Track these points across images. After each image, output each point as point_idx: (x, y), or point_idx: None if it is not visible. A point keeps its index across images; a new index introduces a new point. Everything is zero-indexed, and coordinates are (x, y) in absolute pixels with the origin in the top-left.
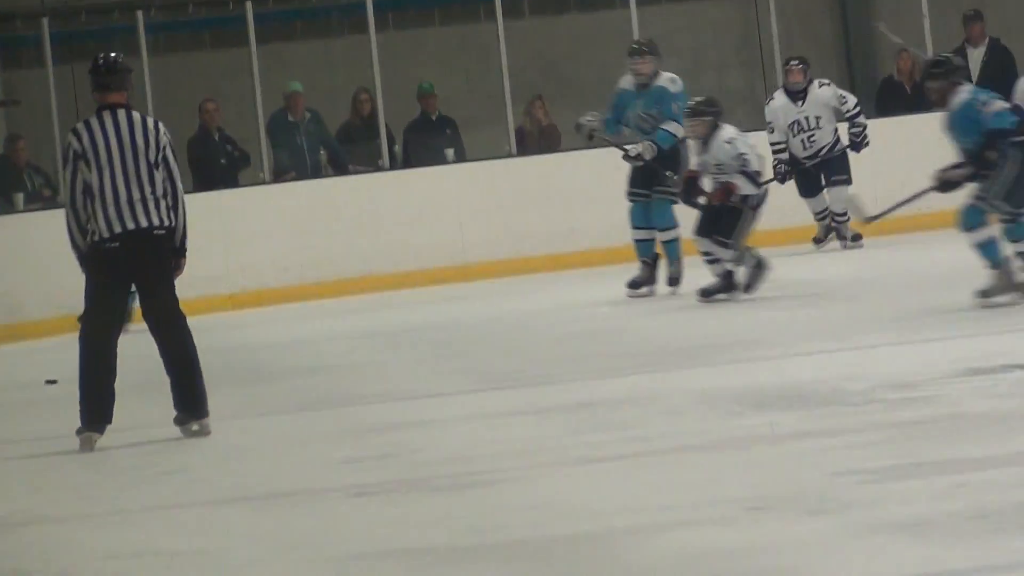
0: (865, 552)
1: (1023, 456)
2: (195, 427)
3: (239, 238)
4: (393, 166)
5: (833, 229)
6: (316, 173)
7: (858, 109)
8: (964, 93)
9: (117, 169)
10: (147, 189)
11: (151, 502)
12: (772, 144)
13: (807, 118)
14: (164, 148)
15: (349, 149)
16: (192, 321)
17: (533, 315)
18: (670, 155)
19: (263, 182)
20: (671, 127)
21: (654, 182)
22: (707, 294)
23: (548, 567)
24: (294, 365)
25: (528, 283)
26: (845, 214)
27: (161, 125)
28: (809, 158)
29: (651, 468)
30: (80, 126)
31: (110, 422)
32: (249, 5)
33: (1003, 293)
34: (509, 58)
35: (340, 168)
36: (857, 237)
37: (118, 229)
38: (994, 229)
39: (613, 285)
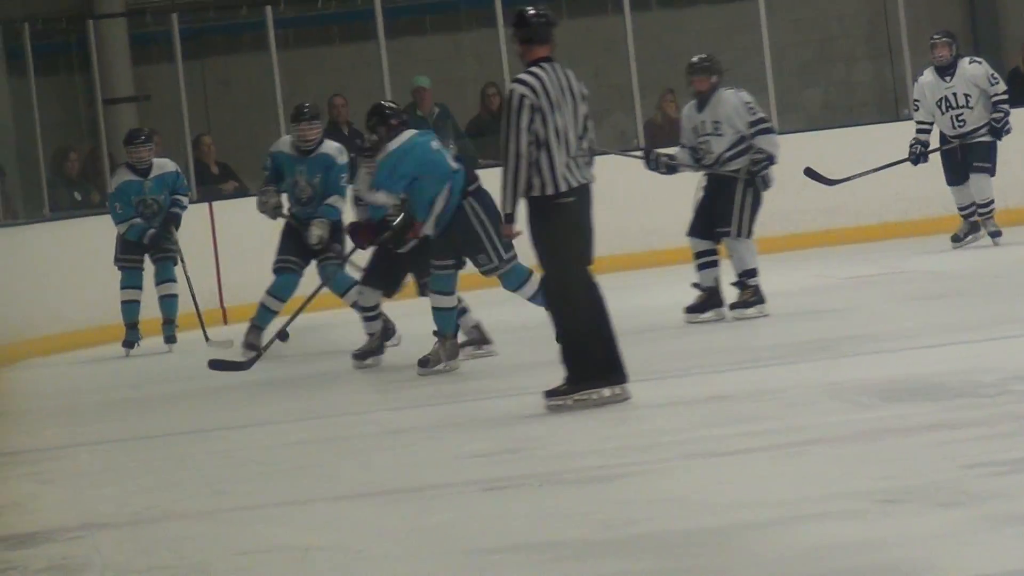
0: (997, 545)
1: None
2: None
3: None
4: None
5: (980, 224)
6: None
7: (1006, 95)
8: None
9: (569, 122)
10: (583, 143)
11: (283, 497)
12: (917, 123)
13: (955, 95)
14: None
15: (478, 143)
16: (325, 316)
17: (661, 309)
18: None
19: None
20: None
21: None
22: (692, 311)
23: (677, 561)
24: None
25: (656, 276)
26: (989, 205)
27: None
28: (958, 137)
29: (779, 461)
30: (529, 78)
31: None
32: (378, 0)
33: None
34: (637, 51)
35: (470, 162)
36: (997, 233)
37: (574, 183)
38: None
39: None
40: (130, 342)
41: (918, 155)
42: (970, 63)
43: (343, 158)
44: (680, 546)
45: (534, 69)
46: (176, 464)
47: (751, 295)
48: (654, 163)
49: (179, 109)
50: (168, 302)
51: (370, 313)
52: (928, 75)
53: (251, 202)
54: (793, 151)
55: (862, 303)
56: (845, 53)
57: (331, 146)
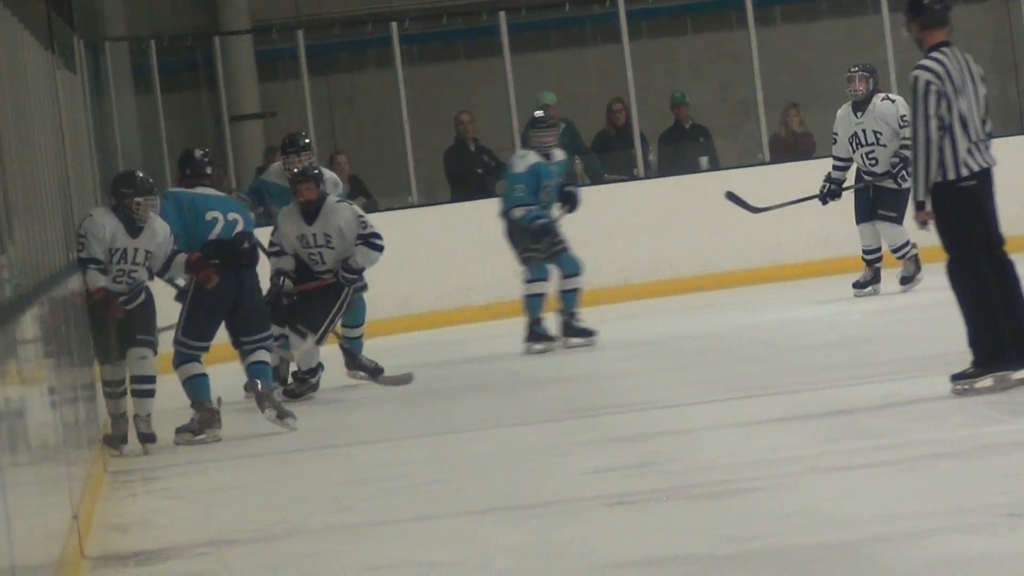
0: None
1: None
2: None
3: (494, 248)
4: (648, 175)
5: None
6: (571, 183)
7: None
8: None
9: (972, 106)
10: (986, 127)
11: (408, 513)
12: (834, 159)
13: (865, 131)
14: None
15: (604, 158)
16: (450, 331)
17: (786, 323)
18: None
19: None
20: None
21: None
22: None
23: (806, 575)
24: (547, 375)
25: (782, 291)
26: (902, 249)
27: None
28: (870, 175)
29: (907, 475)
30: (931, 64)
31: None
32: (503, 15)
33: None
34: (761, 65)
35: (595, 177)
36: (908, 279)
37: (975, 167)
38: None
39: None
40: None
41: (826, 193)
42: (883, 100)
43: (338, 189)
44: (805, 561)
45: (935, 54)
46: (302, 480)
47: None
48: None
49: (305, 126)
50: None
51: None
52: (844, 109)
53: (381, 217)
54: None
55: None
56: None
57: (328, 176)
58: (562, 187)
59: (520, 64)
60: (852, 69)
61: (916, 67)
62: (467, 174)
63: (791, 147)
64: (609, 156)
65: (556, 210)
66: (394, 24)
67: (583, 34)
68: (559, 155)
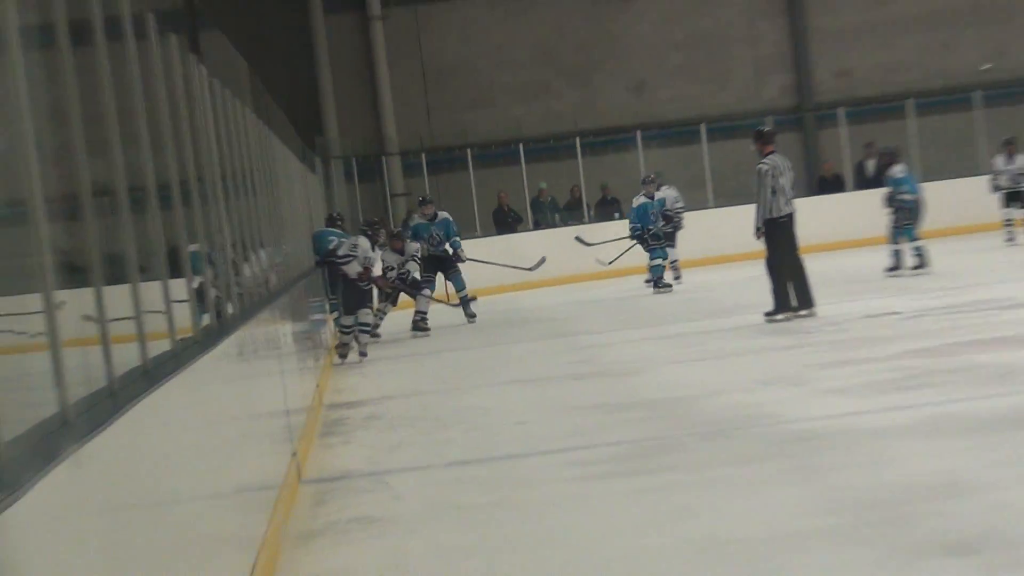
0: None
1: (891, 356)
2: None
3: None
4: (587, 222)
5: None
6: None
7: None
8: None
9: (786, 183)
10: (790, 192)
11: (472, 383)
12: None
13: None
14: None
15: (570, 215)
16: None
17: (679, 289)
18: None
19: None
20: None
21: None
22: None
23: (660, 412)
24: (543, 316)
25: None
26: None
27: None
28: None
29: (716, 364)
30: (768, 160)
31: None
32: (521, 145)
33: None
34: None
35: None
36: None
37: (787, 212)
38: None
39: None
40: None
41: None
42: (667, 188)
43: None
44: (660, 405)
45: (768, 157)
46: (425, 371)
47: None
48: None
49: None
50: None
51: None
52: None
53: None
54: None
55: None
56: None
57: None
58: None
59: (529, 170)
60: (651, 175)
61: (759, 164)
62: (502, 222)
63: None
64: (571, 213)
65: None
66: (468, 150)
67: (558, 154)
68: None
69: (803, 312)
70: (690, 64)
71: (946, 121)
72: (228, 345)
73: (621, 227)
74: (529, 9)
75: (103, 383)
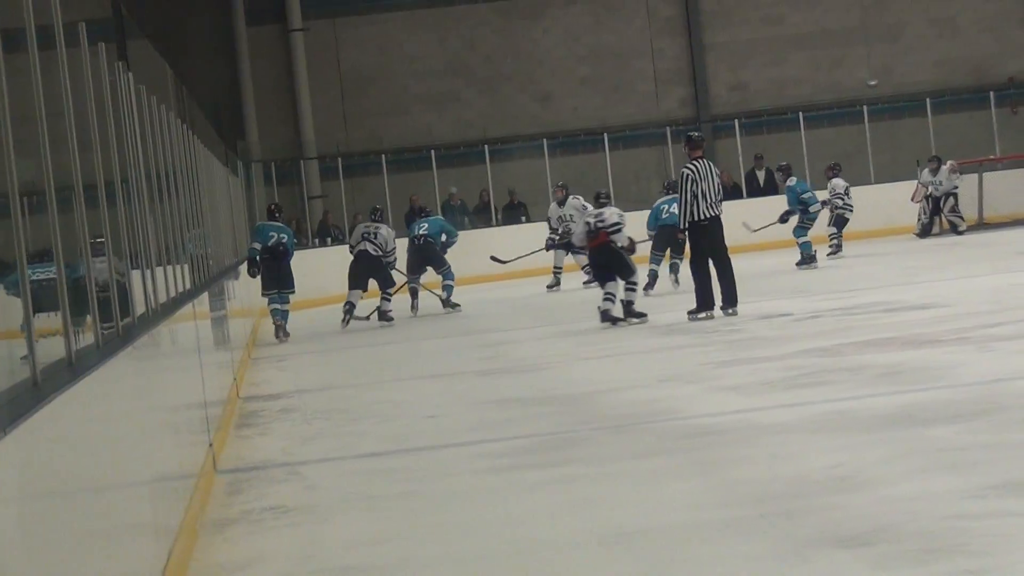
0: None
1: (785, 355)
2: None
3: None
4: (496, 224)
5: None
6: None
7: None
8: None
9: (711, 187)
10: (718, 197)
11: (391, 376)
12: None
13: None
14: None
15: (479, 218)
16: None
17: (575, 291)
18: None
19: None
20: None
21: None
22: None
23: (564, 408)
24: (455, 317)
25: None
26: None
27: None
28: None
29: (621, 361)
30: (691, 165)
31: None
32: (433, 152)
33: None
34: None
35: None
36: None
37: (710, 215)
38: None
39: None
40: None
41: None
42: (574, 198)
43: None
44: (562, 401)
45: (693, 162)
46: (341, 362)
47: None
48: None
49: (341, 204)
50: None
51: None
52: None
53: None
54: None
55: None
56: None
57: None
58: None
59: (440, 176)
60: (559, 184)
61: (684, 167)
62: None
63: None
64: (480, 217)
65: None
66: (383, 156)
67: (468, 161)
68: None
69: (729, 311)
70: (594, 77)
71: (835, 134)
72: (149, 339)
73: (530, 233)
74: (442, 23)
75: (27, 375)
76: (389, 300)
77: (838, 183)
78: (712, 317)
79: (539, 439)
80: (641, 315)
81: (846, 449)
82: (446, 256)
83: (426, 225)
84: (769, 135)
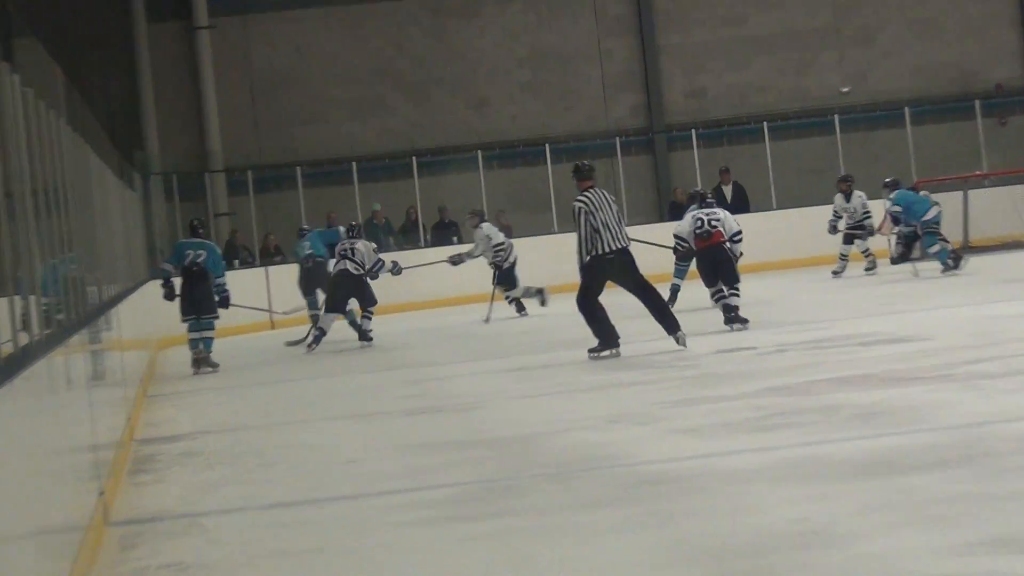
0: (670, 445)
1: (747, 394)
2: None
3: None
4: (426, 245)
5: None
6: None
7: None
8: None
9: (609, 217)
10: (621, 227)
11: (298, 417)
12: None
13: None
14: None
15: (407, 238)
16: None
17: (512, 322)
18: None
19: None
20: None
21: None
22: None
23: (499, 452)
24: (380, 345)
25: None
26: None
27: None
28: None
29: (557, 400)
30: (583, 197)
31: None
32: (355, 164)
33: None
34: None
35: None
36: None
37: (615, 247)
38: None
39: None
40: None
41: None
42: (486, 223)
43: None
44: (499, 444)
45: (586, 193)
46: (249, 400)
47: None
48: None
49: (251, 221)
50: None
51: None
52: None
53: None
54: None
55: None
56: None
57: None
58: None
59: (362, 190)
60: (473, 209)
61: (575, 201)
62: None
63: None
64: (407, 237)
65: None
66: (298, 168)
67: (394, 174)
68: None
69: (678, 335)
70: (535, 82)
71: (803, 146)
72: (30, 373)
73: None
74: (365, 20)
75: None
76: (371, 318)
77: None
78: (619, 355)
79: (471, 488)
80: (744, 320)
81: (816, 500)
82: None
83: (308, 244)
84: (730, 147)
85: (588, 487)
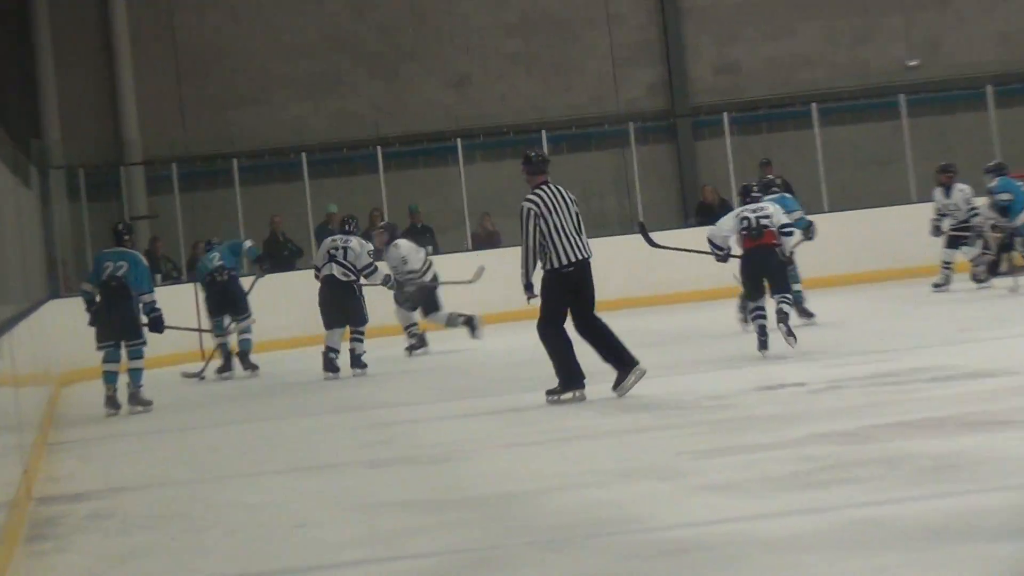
0: (694, 505)
1: (793, 442)
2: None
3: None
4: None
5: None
6: None
7: None
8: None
9: (566, 220)
10: (579, 233)
11: (243, 470)
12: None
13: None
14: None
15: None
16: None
17: (490, 351)
18: None
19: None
20: None
21: None
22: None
23: (485, 512)
24: (331, 383)
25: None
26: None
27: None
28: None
29: (555, 449)
30: (533, 196)
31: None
32: (304, 156)
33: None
34: (468, 187)
35: None
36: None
37: (573, 258)
38: None
39: None
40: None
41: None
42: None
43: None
44: (491, 504)
45: (536, 190)
46: (176, 449)
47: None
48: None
49: (176, 226)
50: None
51: None
52: None
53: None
54: None
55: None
56: None
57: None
58: None
59: (314, 187)
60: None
61: (524, 200)
62: (277, 256)
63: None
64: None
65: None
66: (235, 160)
67: (354, 168)
68: None
69: (631, 376)
70: (528, 54)
71: (862, 133)
72: None
73: (441, 266)
74: None
75: None
76: (362, 340)
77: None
78: (584, 398)
79: (451, 558)
80: (792, 334)
81: (879, 572)
82: None
83: (218, 255)
84: (770, 134)
85: (595, 558)
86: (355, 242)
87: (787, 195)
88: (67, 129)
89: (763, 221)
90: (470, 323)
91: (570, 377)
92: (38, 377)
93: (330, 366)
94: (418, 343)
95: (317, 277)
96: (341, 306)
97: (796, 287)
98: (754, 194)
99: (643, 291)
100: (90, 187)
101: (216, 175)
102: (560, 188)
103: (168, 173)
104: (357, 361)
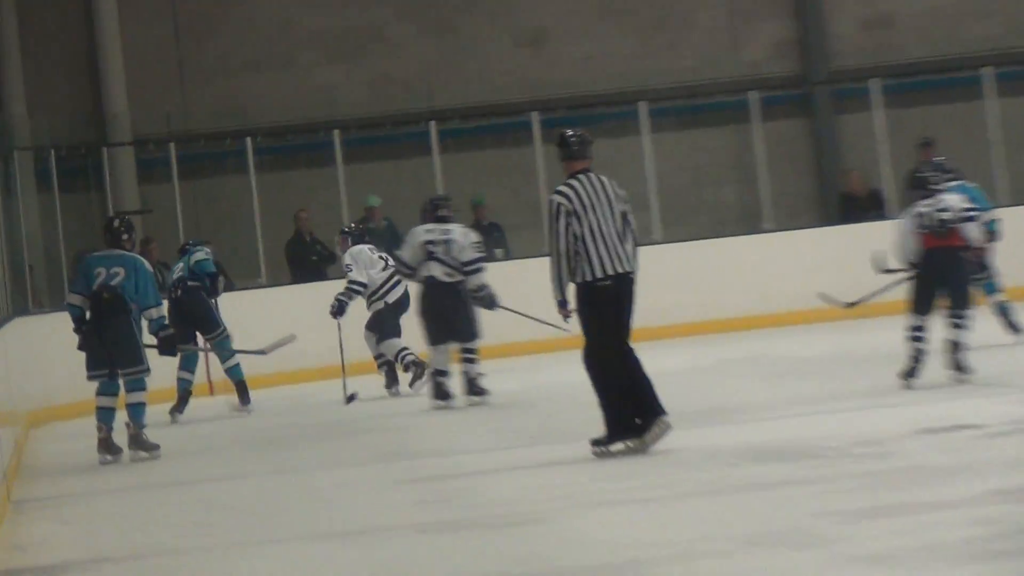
0: None
1: (969, 500)
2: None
3: (327, 320)
4: None
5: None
6: None
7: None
8: None
9: (608, 221)
10: (623, 239)
11: (258, 537)
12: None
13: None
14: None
15: None
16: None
17: (560, 385)
18: None
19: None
20: None
21: None
22: None
23: None
24: (370, 425)
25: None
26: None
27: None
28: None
29: (663, 509)
30: (564, 188)
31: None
32: (337, 133)
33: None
34: (547, 175)
35: None
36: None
37: (610, 271)
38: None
39: None
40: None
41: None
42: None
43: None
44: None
45: (570, 180)
46: (176, 508)
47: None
48: None
49: (175, 222)
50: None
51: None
52: None
53: (236, 295)
54: None
55: (722, 382)
56: None
57: None
58: None
59: (350, 173)
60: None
61: (553, 193)
62: (303, 261)
63: None
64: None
65: None
66: (249, 139)
67: (401, 149)
68: None
69: (654, 429)
70: (621, 5)
71: None
72: None
73: (516, 274)
74: None
75: None
76: (474, 360)
77: None
78: (642, 448)
79: None
80: (968, 369)
81: None
82: None
83: (181, 264)
84: (932, 106)
85: None
86: (458, 231)
87: (971, 184)
88: (37, 101)
89: (944, 216)
90: (418, 371)
91: (616, 425)
92: (1, 417)
93: (441, 393)
94: (418, 372)
95: (409, 278)
96: (447, 316)
97: (1000, 297)
98: (931, 185)
99: (767, 307)
100: (64, 173)
101: (224, 158)
102: (603, 179)
103: (164, 155)
104: (474, 386)
